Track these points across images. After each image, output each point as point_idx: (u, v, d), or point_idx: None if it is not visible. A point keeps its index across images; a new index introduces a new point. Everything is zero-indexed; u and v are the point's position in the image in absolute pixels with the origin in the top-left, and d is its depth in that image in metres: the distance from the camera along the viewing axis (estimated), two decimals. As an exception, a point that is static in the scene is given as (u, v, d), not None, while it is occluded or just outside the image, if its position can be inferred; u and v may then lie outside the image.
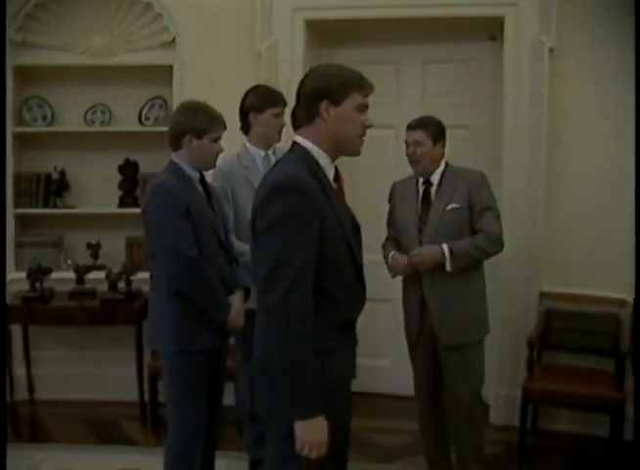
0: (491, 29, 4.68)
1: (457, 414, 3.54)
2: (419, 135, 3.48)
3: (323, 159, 2.24)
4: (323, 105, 2.19)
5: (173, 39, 4.85)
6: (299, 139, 2.25)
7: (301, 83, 2.25)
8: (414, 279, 3.51)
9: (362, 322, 4.76)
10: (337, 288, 2.21)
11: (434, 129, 3.50)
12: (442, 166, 3.56)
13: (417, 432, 3.77)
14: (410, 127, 3.53)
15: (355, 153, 2.30)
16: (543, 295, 4.50)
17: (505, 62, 4.49)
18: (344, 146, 2.26)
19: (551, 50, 4.39)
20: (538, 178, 4.43)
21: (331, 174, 2.27)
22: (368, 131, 2.28)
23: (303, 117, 2.24)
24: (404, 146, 3.55)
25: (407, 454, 4.18)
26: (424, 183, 3.57)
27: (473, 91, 4.85)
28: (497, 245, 3.48)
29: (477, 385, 3.54)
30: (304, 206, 2.09)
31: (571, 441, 4.38)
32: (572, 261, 4.47)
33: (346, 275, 2.25)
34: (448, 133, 3.56)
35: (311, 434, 2.10)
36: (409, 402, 4.21)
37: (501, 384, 4.58)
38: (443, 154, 3.57)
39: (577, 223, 4.47)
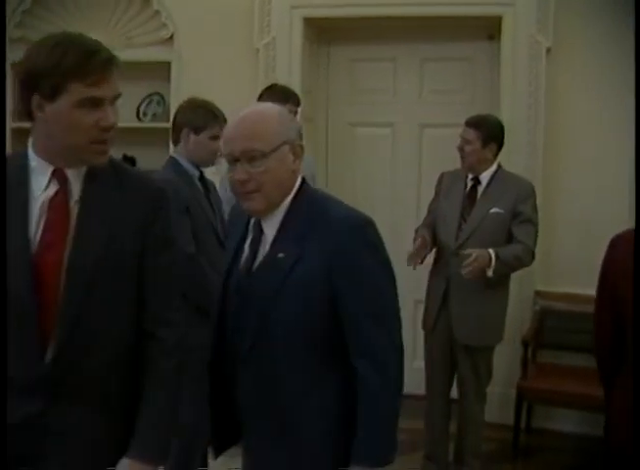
0: (489, 29, 4.68)
1: (462, 411, 3.62)
2: (469, 134, 3.48)
3: (35, 163, 1.70)
4: (34, 101, 1.63)
5: (171, 36, 4.87)
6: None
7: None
8: (441, 272, 3.53)
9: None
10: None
11: (486, 131, 3.48)
12: (494, 168, 3.56)
13: (413, 430, 3.76)
14: (465, 123, 3.53)
15: (93, 163, 1.67)
16: (538, 294, 4.51)
17: (502, 61, 4.50)
18: (72, 155, 1.65)
19: (548, 50, 4.40)
20: (534, 178, 4.42)
21: (41, 184, 1.67)
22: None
23: (22, 115, 1.68)
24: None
25: (404, 452, 4.18)
26: (472, 179, 3.56)
27: (470, 90, 4.84)
28: (530, 258, 3.53)
29: (483, 385, 3.61)
30: None
31: (565, 439, 4.39)
32: (567, 261, 4.48)
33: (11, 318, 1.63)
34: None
35: None
36: (406, 401, 4.21)
37: (496, 382, 4.58)
38: (496, 156, 3.56)
39: (573, 223, 4.48)
